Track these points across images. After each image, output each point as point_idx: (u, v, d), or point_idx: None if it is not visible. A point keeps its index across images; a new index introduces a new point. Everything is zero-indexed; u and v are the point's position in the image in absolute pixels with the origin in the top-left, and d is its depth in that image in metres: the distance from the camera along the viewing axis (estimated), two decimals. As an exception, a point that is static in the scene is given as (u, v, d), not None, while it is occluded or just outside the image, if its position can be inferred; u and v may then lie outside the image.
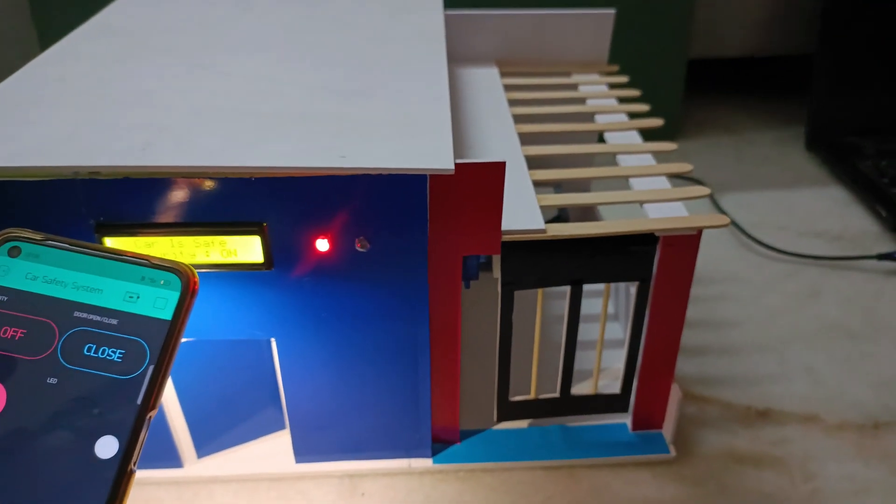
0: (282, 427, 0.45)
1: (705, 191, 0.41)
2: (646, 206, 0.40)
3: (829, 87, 0.81)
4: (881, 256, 0.64)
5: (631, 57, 0.76)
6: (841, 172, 0.78)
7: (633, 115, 0.51)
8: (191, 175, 0.32)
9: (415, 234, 0.35)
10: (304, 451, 0.43)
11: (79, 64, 0.41)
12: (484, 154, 0.44)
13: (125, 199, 0.33)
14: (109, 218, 0.33)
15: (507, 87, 0.54)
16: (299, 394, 0.40)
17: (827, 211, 0.73)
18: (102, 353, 0.27)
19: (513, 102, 0.52)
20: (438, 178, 0.34)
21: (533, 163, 0.44)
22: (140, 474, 0.43)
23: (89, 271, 0.28)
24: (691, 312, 0.58)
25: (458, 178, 0.34)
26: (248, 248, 0.34)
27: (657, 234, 0.38)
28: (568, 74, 0.57)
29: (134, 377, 0.27)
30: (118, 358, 0.27)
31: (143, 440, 0.26)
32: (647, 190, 0.41)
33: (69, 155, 0.32)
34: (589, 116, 0.51)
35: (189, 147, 0.33)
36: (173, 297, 0.28)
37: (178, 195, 0.33)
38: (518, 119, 0.50)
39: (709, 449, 0.46)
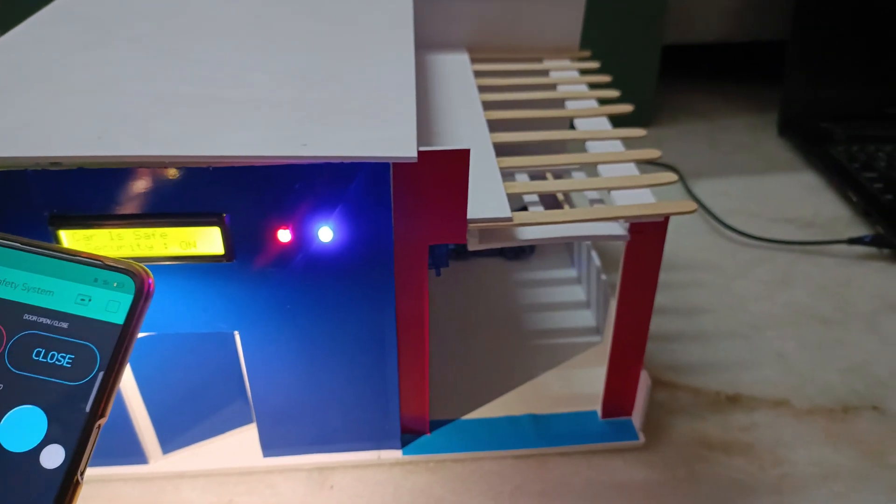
0: (249, 421, 0.45)
1: (673, 177, 0.40)
2: (614, 192, 0.40)
3: (802, 73, 0.81)
4: (852, 241, 0.64)
5: (605, 43, 0.76)
6: (813, 158, 0.78)
7: (603, 101, 0.50)
8: (148, 165, 0.32)
9: (379, 223, 0.34)
10: (272, 444, 0.42)
11: (35, 50, 0.40)
12: (451, 141, 0.43)
13: (80, 191, 0.32)
14: (64, 210, 0.32)
15: (478, 74, 0.54)
16: (265, 387, 0.40)
17: (799, 197, 0.73)
18: (51, 358, 0.26)
19: (482, 89, 0.52)
20: (402, 166, 0.33)
21: (501, 150, 0.44)
22: (104, 471, 0.42)
23: (41, 272, 0.27)
24: (662, 299, 0.58)
25: (421, 166, 0.33)
26: (207, 240, 0.34)
27: (626, 220, 0.38)
28: (539, 60, 0.57)
29: (83, 383, 0.26)
30: (67, 363, 0.26)
31: (91, 449, 0.25)
32: (615, 177, 0.41)
33: (22, 145, 0.31)
34: (559, 102, 0.51)
35: (147, 136, 0.32)
36: (126, 300, 0.27)
37: (135, 186, 0.32)
38: (487, 106, 0.49)
39: (679, 435, 0.46)
